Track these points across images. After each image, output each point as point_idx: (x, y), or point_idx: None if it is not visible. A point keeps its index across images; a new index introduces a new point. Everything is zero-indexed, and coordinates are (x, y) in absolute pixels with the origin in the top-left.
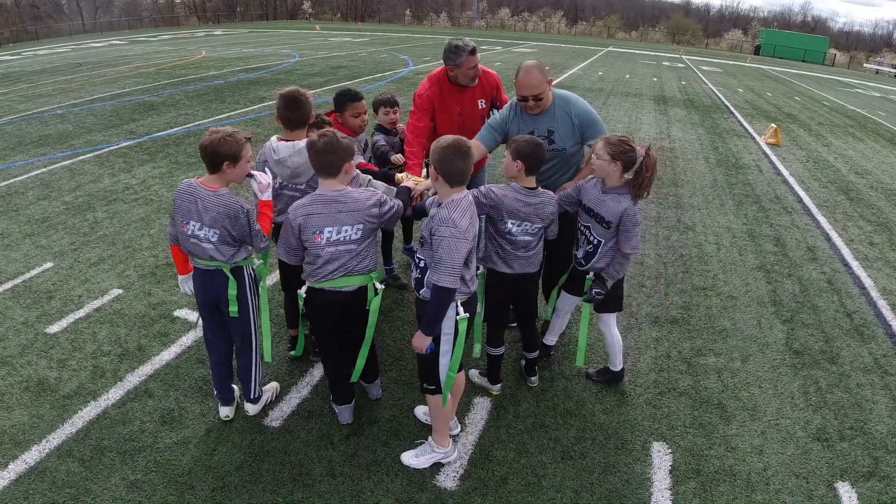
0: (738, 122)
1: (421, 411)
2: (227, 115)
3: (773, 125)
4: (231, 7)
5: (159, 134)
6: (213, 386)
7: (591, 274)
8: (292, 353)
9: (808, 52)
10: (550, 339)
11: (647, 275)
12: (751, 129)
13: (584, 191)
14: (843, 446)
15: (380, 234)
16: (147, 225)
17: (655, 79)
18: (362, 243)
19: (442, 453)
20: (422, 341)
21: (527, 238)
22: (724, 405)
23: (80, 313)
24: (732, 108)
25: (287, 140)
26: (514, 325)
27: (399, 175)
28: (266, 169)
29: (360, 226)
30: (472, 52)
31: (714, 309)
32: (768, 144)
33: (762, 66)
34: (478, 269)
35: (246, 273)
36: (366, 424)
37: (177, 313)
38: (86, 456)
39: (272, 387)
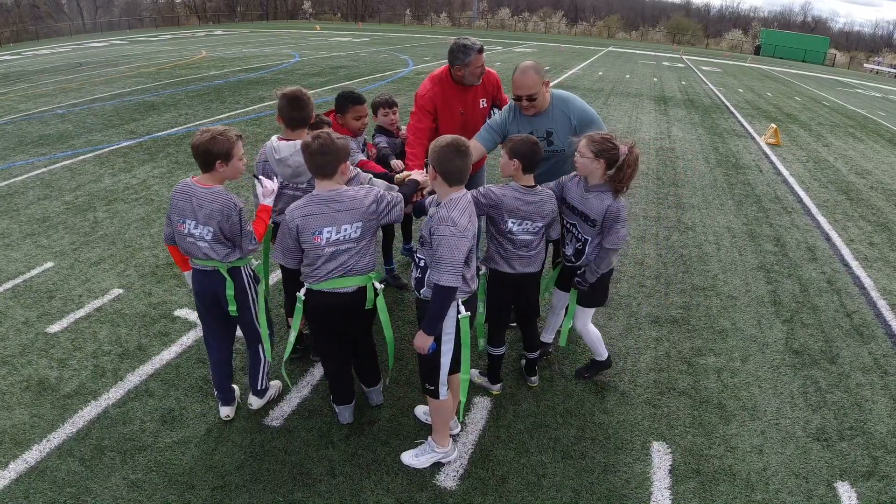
0: (739, 122)
1: (421, 411)
2: (228, 114)
3: (773, 125)
4: (231, 7)
5: (160, 134)
6: (214, 386)
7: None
8: (285, 358)
9: (809, 52)
10: (546, 336)
11: (647, 275)
12: (751, 130)
13: (566, 188)
14: (842, 446)
15: (380, 233)
16: (147, 225)
17: (655, 79)
18: (361, 241)
19: (442, 453)
20: (423, 341)
21: (528, 237)
22: (724, 405)
23: (81, 313)
24: (732, 109)
25: (288, 139)
26: (514, 325)
27: (399, 176)
28: (266, 169)
29: (360, 224)
30: (480, 51)
31: (714, 309)
32: (768, 144)
33: (762, 67)
34: (480, 269)
35: (244, 273)
36: (366, 424)
37: (177, 313)
38: (86, 455)
39: (275, 385)
